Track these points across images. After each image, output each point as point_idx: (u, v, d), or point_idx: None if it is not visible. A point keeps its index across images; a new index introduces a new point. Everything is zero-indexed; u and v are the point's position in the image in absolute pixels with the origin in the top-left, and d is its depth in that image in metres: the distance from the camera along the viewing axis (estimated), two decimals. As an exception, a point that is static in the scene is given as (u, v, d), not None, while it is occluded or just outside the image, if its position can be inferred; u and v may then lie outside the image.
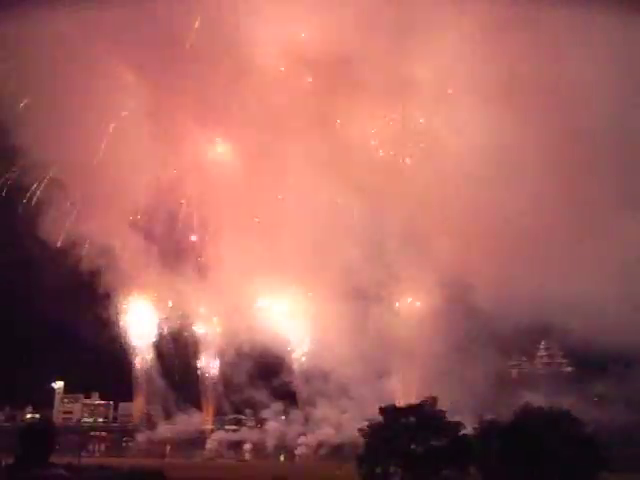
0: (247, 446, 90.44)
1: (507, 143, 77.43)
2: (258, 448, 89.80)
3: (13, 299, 78.37)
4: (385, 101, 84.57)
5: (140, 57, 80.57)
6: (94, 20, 74.13)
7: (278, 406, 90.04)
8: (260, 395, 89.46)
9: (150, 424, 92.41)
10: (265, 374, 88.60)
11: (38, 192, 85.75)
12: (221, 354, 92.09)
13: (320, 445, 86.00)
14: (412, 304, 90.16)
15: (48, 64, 79.70)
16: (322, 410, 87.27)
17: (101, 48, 79.30)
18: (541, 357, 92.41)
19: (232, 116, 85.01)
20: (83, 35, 77.54)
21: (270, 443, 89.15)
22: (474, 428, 45.43)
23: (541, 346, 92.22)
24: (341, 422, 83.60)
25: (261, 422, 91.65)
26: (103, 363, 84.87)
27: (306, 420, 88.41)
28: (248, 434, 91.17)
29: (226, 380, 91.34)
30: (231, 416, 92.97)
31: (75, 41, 77.34)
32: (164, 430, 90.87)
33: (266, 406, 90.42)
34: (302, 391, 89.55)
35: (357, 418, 62.75)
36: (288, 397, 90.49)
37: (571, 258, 77.35)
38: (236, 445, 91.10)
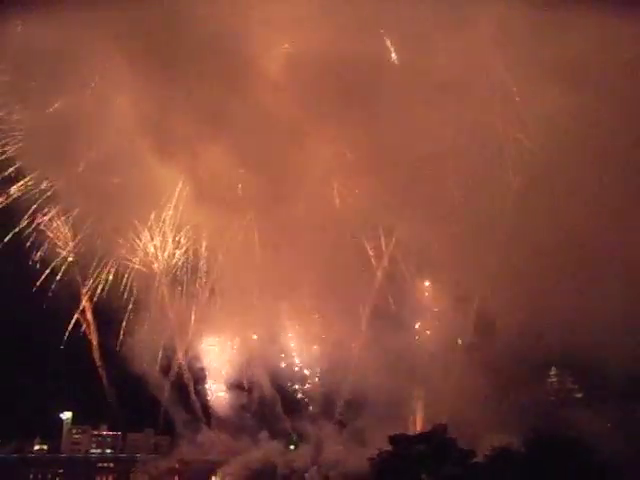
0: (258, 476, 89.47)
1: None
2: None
3: (19, 329, 78.56)
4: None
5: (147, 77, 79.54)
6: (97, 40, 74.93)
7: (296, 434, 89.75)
8: (276, 424, 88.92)
9: (159, 454, 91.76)
10: (284, 404, 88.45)
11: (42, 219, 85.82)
12: (238, 383, 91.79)
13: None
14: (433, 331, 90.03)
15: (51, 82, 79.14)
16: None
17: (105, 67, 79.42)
18: (551, 383, 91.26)
19: (239, 127, 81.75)
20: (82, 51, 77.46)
21: (283, 474, 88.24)
22: (485, 456, 44.96)
23: (551, 372, 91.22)
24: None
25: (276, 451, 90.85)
26: (112, 393, 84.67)
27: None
28: (260, 464, 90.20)
29: (239, 408, 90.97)
30: (241, 446, 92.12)
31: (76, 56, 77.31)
32: (173, 460, 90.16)
33: (286, 435, 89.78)
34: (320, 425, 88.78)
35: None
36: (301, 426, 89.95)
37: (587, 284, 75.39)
38: (249, 476, 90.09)
